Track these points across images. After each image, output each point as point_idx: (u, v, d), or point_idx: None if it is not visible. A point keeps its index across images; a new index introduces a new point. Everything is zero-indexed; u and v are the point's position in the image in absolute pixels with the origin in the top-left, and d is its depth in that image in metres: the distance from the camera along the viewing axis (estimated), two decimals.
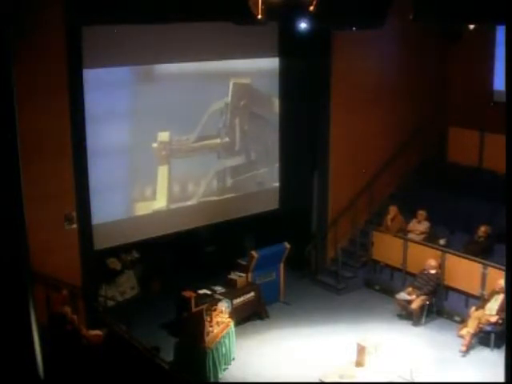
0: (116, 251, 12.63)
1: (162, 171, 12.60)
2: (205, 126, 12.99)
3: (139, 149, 12.20)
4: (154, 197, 12.66)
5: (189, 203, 13.07)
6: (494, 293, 11.12)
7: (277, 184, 14.29)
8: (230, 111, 13.33)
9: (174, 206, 12.89)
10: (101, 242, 11.75)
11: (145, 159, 12.33)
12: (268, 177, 14.22)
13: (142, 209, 12.53)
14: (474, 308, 11.23)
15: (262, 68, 13.60)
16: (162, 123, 12.47)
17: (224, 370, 10.55)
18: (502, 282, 10.26)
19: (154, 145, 12.44)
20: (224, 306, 11.21)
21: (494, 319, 10.88)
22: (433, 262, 12.02)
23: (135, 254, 13.05)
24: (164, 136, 12.52)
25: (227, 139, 13.38)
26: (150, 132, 12.37)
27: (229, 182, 13.64)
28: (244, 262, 12.37)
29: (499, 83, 13.65)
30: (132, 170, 12.28)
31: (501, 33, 13.18)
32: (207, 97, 12.95)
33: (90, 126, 11.15)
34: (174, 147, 12.68)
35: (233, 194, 13.72)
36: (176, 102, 12.43)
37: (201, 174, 13.22)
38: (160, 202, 12.74)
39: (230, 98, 13.25)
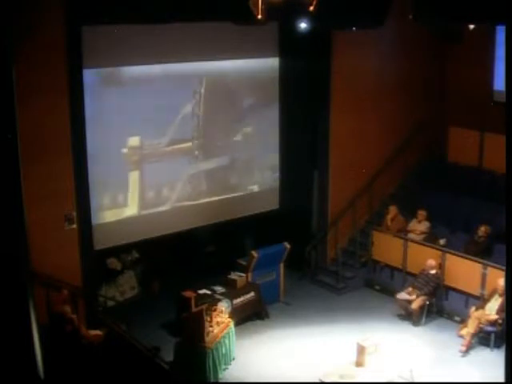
0: (116, 251, 12.62)
1: (134, 176, 12.22)
2: (180, 128, 12.65)
3: (110, 154, 11.78)
4: (125, 203, 12.27)
5: (164, 208, 12.75)
6: (493, 293, 11.13)
7: (277, 184, 14.27)
8: (203, 111, 12.93)
9: (146, 212, 12.46)
10: (101, 242, 11.74)
11: (116, 164, 11.93)
12: (264, 177, 14.16)
13: (112, 216, 12.09)
14: (473, 308, 11.23)
15: (261, 68, 13.56)
16: (132, 127, 12.03)
17: (224, 369, 10.54)
18: (502, 282, 10.26)
19: (124, 150, 12.05)
20: (224, 306, 11.22)
21: (493, 319, 10.89)
22: (433, 263, 12.01)
23: (135, 254, 13.04)
24: (135, 141, 12.12)
25: (203, 140, 13.02)
26: (121, 137, 11.95)
27: (226, 182, 13.59)
28: (244, 262, 12.37)
29: (499, 83, 13.65)
30: (105, 175, 11.77)
31: (501, 33, 13.16)
32: (182, 99, 12.65)
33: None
34: (147, 151, 12.31)
35: (234, 195, 13.69)
36: (148, 105, 12.01)
37: (190, 174, 13.04)
38: (132, 209, 12.33)
39: (203, 96, 12.88)
